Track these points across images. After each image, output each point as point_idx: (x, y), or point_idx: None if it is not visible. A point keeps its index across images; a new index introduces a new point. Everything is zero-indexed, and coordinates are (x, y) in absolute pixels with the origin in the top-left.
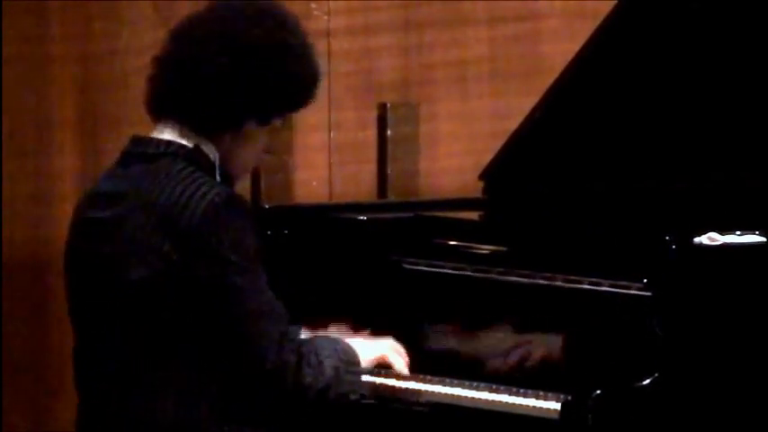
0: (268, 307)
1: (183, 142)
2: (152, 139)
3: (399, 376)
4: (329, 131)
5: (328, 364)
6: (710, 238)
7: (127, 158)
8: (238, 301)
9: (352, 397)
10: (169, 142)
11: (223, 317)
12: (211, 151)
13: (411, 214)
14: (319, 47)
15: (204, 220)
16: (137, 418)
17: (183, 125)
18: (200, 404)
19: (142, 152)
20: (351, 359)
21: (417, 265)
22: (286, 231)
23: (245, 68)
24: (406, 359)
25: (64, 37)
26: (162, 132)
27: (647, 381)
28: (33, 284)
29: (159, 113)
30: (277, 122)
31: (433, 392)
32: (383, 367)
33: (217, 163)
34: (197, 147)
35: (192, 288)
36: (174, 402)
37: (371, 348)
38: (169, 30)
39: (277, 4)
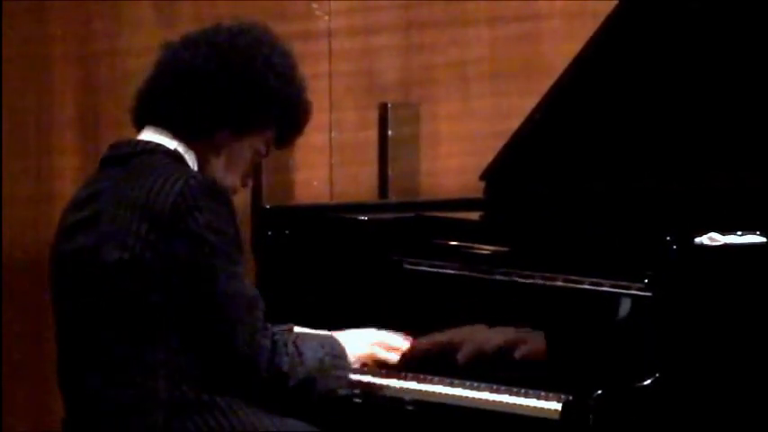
0: (243, 292)
1: (162, 143)
2: (129, 141)
3: (399, 376)
4: (330, 132)
5: (310, 356)
6: (711, 239)
7: (105, 162)
8: (213, 283)
9: (342, 392)
10: (147, 142)
11: (198, 297)
12: (191, 157)
13: (412, 214)
14: (320, 47)
15: (179, 200)
16: (131, 403)
17: (162, 130)
18: (192, 381)
19: (119, 154)
20: (337, 353)
21: (418, 265)
22: (287, 231)
23: (220, 72)
24: (401, 346)
25: (64, 37)
26: (140, 135)
27: (648, 381)
28: (33, 284)
29: (140, 121)
30: (260, 145)
31: (433, 392)
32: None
33: (196, 168)
34: (176, 149)
35: (170, 268)
36: (164, 382)
37: (359, 345)
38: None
39: (272, 30)
